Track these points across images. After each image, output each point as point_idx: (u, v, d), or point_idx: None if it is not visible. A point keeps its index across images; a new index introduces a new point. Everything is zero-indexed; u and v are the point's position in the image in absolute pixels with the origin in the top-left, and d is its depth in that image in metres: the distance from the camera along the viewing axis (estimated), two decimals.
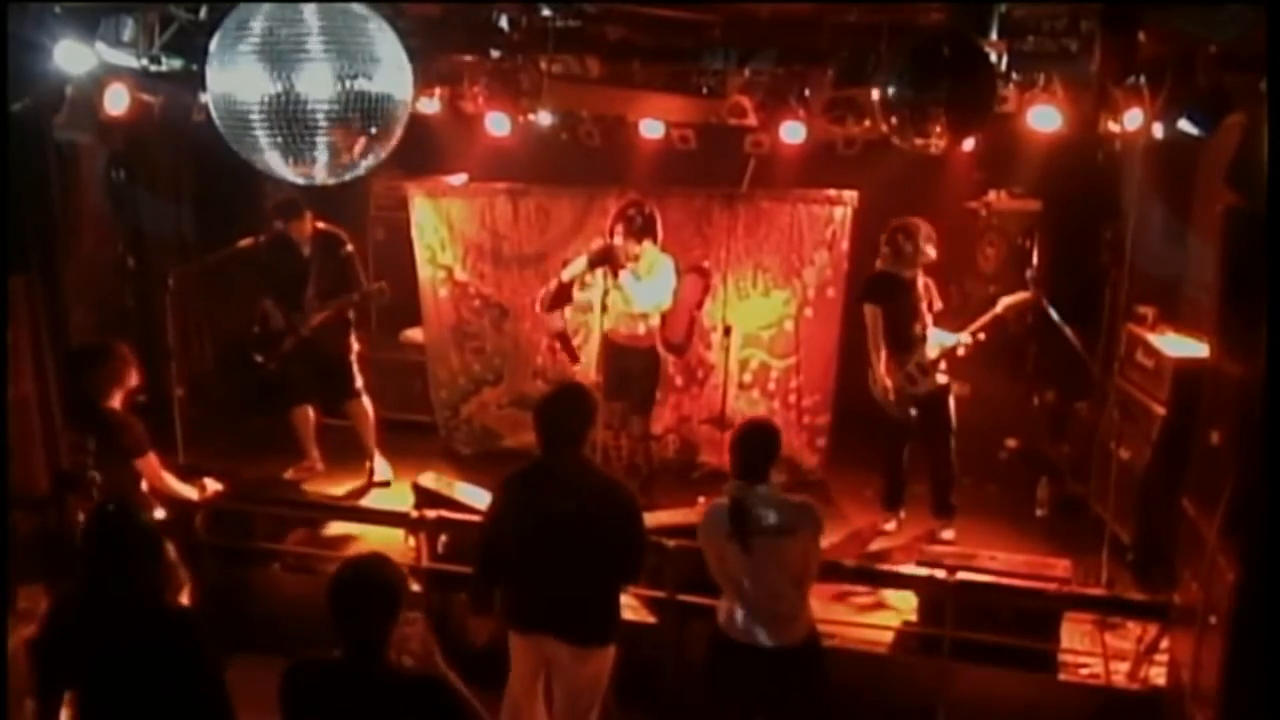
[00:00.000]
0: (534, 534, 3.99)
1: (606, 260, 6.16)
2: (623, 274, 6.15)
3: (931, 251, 6.15)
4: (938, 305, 6.32)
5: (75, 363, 5.23)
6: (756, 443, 4.07)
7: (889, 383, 6.15)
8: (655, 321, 6.52)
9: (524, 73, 6.30)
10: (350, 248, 6.82)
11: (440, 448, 7.64)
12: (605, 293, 6.18)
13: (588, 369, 6.96)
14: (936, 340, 6.18)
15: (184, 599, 4.24)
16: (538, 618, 4.10)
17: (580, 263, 6.42)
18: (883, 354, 6.16)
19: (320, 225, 6.79)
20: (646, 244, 6.18)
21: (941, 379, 6.19)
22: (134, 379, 5.26)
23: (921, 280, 6.21)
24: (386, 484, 7.03)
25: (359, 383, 7.03)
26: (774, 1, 5.49)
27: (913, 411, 6.25)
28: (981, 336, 6.14)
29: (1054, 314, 5.91)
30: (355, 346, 7.03)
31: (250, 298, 7.00)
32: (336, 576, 3.03)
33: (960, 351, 6.16)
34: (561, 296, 6.87)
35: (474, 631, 4.45)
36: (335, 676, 3.01)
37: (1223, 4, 4.05)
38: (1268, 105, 3.63)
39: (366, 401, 7.06)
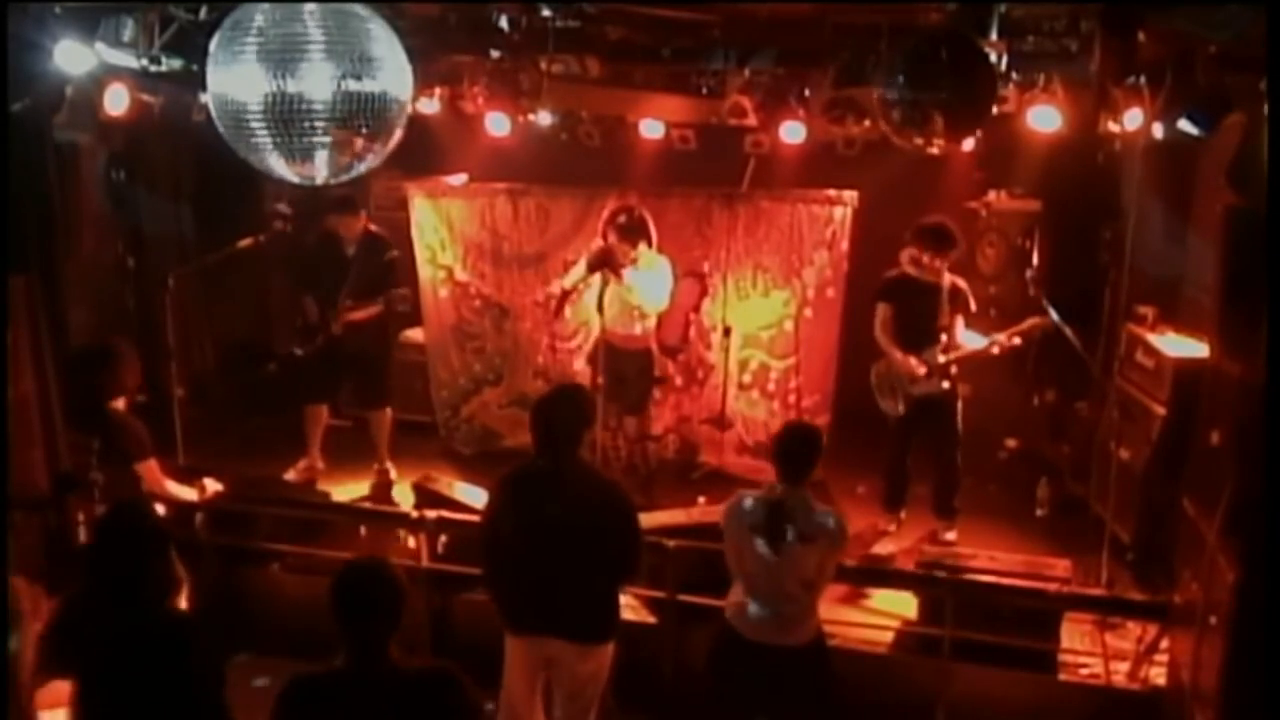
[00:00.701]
0: (529, 534, 3.99)
1: (606, 263, 6.16)
2: (624, 271, 6.16)
3: (950, 258, 6.11)
4: (972, 308, 6.25)
5: (79, 363, 5.23)
6: (805, 446, 4.07)
7: (902, 365, 6.11)
8: (652, 323, 6.52)
9: (524, 73, 6.30)
10: (396, 252, 6.86)
11: (440, 448, 7.64)
12: (602, 293, 6.18)
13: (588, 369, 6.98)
14: (966, 340, 6.15)
15: (182, 600, 4.23)
16: (535, 618, 4.09)
17: (580, 268, 6.43)
18: (895, 350, 6.15)
19: (371, 227, 6.84)
20: (641, 246, 6.19)
21: (945, 385, 6.17)
22: (136, 379, 5.27)
23: (949, 281, 6.13)
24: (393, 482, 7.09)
25: (387, 390, 7.07)
26: (774, 1, 5.49)
27: (901, 408, 6.23)
28: (1018, 341, 6.07)
29: (1054, 314, 5.91)
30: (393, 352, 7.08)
31: (250, 297, 7.03)
32: (337, 580, 3.02)
33: (995, 350, 6.11)
34: (565, 306, 6.86)
35: None
36: (340, 683, 3.00)
37: (1223, 4, 4.04)
38: (1268, 105, 3.63)
39: (388, 410, 7.10)
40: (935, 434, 6.29)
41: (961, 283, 6.20)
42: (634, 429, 6.73)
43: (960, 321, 6.18)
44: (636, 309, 6.36)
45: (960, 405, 6.28)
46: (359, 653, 2.98)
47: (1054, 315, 5.92)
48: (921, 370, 6.11)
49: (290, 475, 6.97)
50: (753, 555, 4.00)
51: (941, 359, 6.10)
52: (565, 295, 6.67)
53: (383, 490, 6.98)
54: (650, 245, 6.28)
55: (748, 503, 4.06)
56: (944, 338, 6.11)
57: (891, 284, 6.21)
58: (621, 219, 6.20)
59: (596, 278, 6.22)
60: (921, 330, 6.13)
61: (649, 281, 6.24)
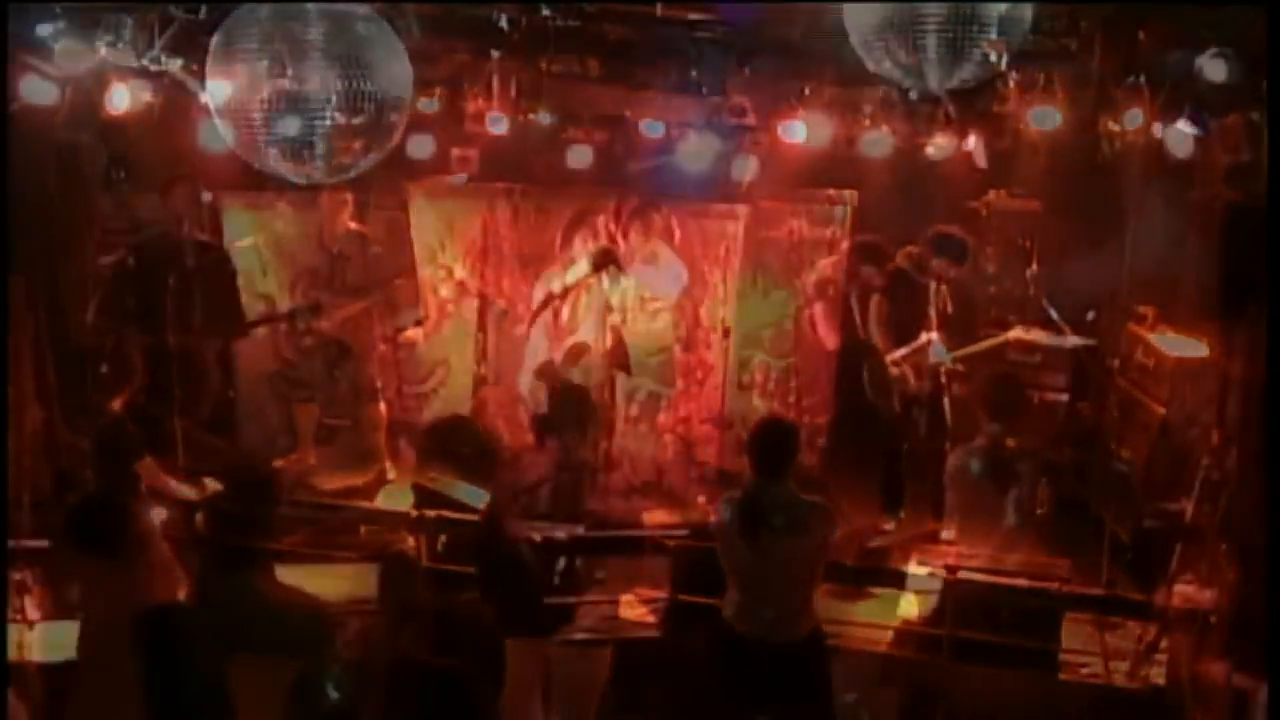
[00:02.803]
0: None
1: (611, 261, 6.15)
2: (632, 267, 6.16)
3: (952, 273, 6.15)
4: (948, 309, 6.30)
5: (78, 364, 5.23)
6: (776, 441, 4.07)
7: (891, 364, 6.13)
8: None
9: (524, 73, 6.30)
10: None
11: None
12: (609, 306, 6.18)
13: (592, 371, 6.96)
14: (934, 352, 6.18)
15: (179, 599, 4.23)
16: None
17: (581, 266, 6.41)
18: (882, 340, 6.16)
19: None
20: (660, 245, 6.22)
21: (931, 385, 6.20)
22: (135, 380, 5.26)
23: (935, 287, 6.19)
24: (391, 480, 7.08)
25: (378, 384, 7.07)
26: (774, 1, 5.49)
27: (896, 406, 6.24)
28: (960, 368, 6.18)
29: (1054, 314, 5.91)
30: (380, 347, 7.08)
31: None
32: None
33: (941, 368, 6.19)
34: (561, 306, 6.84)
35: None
36: (349, 674, 3.02)
37: (1223, 4, 4.05)
38: (1268, 105, 3.63)
39: (381, 405, 7.08)
40: (927, 431, 6.30)
41: (945, 289, 6.23)
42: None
43: (934, 323, 6.22)
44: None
45: (948, 403, 6.29)
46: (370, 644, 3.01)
47: (1054, 315, 5.93)
48: (911, 372, 6.13)
49: (278, 464, 6.98)
50: (744, 555, 4.00)
51: (931, 360, 6.13)
52: (564, 293, 6.64)
53: (375, 487, 7.00)
54: (672, 243, 6.34)
55: (730, 503, 4.07)
56: (934, 337, 6.14)
57: (889, 278, 6.22)
58: (654, 215, 6.31)
59: (604, 279, 6.22)
60: (908, 329, 6.15)
61: (657, 276, 6.24)
